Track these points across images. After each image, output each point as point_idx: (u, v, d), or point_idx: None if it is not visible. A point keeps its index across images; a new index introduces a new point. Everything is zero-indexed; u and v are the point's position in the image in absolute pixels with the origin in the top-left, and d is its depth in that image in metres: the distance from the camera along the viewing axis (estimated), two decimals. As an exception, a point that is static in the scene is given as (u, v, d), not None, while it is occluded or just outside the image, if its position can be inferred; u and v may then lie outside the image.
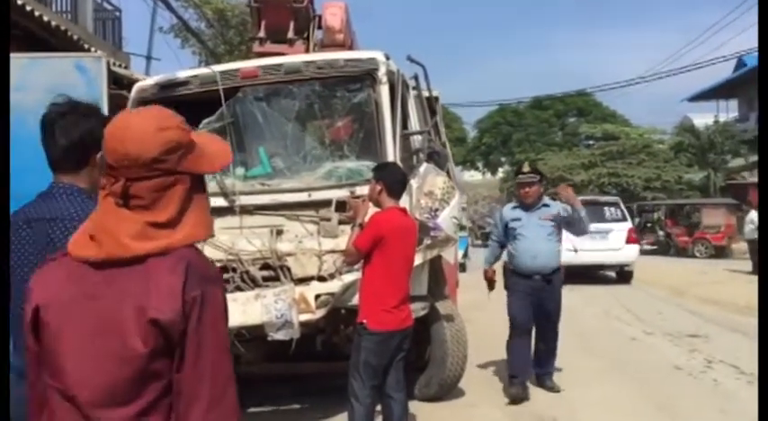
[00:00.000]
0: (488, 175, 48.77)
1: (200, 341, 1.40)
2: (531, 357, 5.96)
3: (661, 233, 26.89)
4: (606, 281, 15.44)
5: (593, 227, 10.97)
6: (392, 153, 4.87)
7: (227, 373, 1.46)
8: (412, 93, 5.74)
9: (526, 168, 5.95)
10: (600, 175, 32.62)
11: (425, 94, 6.32)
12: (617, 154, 33.69)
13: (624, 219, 15.65)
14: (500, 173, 46.82)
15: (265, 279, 4.73)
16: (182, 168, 1.46)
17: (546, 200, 5.91)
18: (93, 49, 7.50)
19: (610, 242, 14.53)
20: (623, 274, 15.22)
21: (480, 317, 8.56)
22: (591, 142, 40.70)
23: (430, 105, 6.26)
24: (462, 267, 18.37)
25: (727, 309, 10.95)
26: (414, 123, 5.64)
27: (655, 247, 26.46)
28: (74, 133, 2.12)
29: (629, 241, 14.90)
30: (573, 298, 11.77)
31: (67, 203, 2.08)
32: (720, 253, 23.04)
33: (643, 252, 26.35)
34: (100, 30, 12.62)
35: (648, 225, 28.43)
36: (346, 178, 4.96)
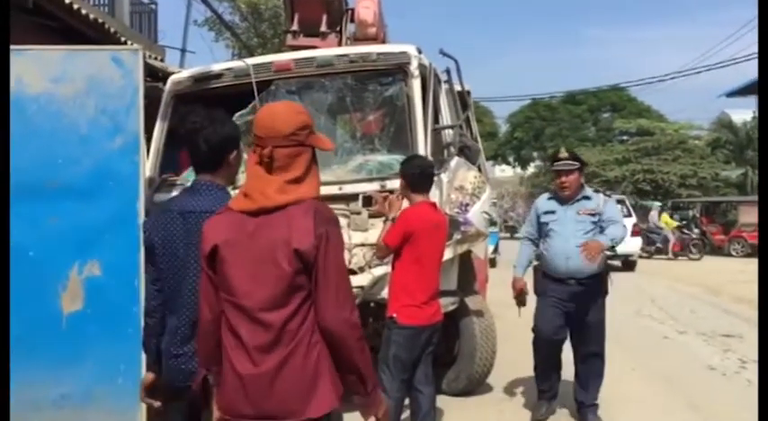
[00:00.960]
0: (519, 170, 48.40)
1: (326, 264, 2.04)
2: (561, 372, 5.18)
3: (696, 231, 26.44)
4: (638, 279, 15.32)
5: None
6: (423, 147, 4.86)
7: (347, 286, 2.13)
8: (444, 87, 5.72)
9: (563, 154, 4.98)
10: (634, 172, 32.13)
11: (458, 88, 6.30)
12: (652, 150, 33.13)
13: (629, 215, 17.80)
14: (531, 168, 46.44)
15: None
16: (307, 142, 2.14)
17: (587, 191, 4.97)
18: (129, 42, 7.59)
19: None
20: (628, 263, 17.49)
21: (510, 314, 8.48)
22: (625, 138, 40.11)
23: (462, 99, 6.23)
24: (492, 262, 18.27)
25: (764, 308, 10.74)
26: (445, 117, 5.62)
27: (689, 245, 26.02)
28: (214, 139, 2.56)
29: (633, 234, 16.64)
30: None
31: (213, 199, 2.52)
32: (757, 251, 22.57)
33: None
34: (136, 23, 12.79)
35: (683, 222, 27.99)
36: (377, 172, 4.97)
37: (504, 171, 58.02)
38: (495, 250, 19.03)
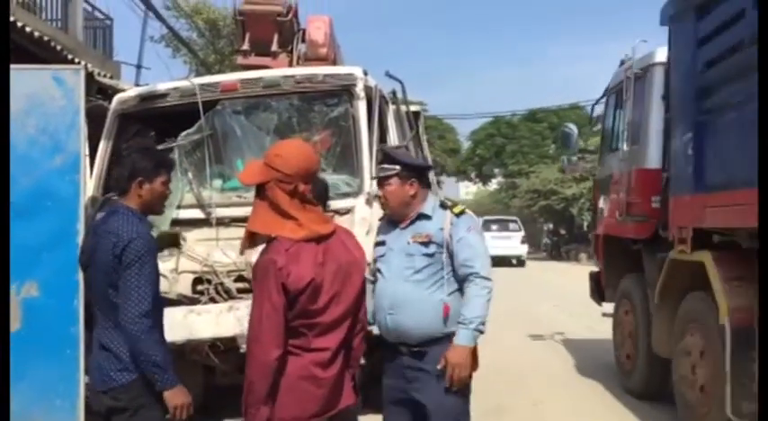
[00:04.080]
0: (481, 186, 48.97)
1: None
2: None
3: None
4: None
5: (502, 234, 26.92)
6: (368, 167, 4.93)
7: None
8: (391, 108, 5.81)
9: (379, 155, 3.65)
10: (591, 189, 32.68)
11: (410, 109, 6.41)
12: (609, 167, 33.72)
13: (520, 230, 28.36)
14: (494, 184, 46.92)
15: (240, 291, 4.78)
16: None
17: (428, 206, 3.18)
18: (77, 59, 7.54)
19: (511, 242, 27.25)
20: (520, 261, 27.58)
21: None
22: (584, 156, 40.74)
23: (410, 120, 6.33)
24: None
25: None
26: (392, 138, 5.70)
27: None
28: (121, 168, 2.94)
29: (521, 242, 27.71)
30: (559, 310, 11.87)
31: (115, 221, 2.81)
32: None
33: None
34: (90, 38, 12.67)
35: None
36: (322, 192, 5.02)
37: (468, 187, 58.46)
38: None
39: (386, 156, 3.29)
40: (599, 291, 7.39)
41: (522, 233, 28.23)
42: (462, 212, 3.16)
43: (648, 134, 5.95)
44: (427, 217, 3.16)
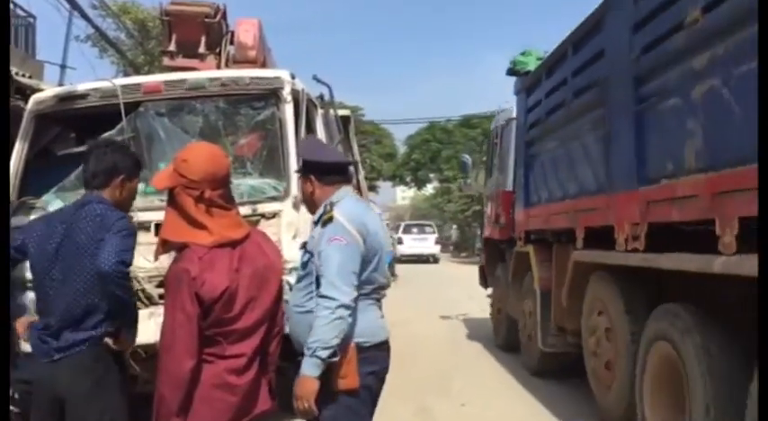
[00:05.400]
0: (417, 190, 49.39)
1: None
2: None
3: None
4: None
5: (420, 236, 33.99)
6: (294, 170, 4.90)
7: None
8: (319, 111, 5.79)
9: None
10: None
11: (340, 113, 6.41)
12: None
13: (434, 233, 34.42)
14: (429, 189, 47.36)
15: (162, 297, 4.66)
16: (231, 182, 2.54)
17: (320, 211, 2.86)
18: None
19: (427, 243, 33.14)
20: (435, 259, 32.76)
21: (400, 333, 8.67)
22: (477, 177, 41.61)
23: (338, 125, 6.34)
24: (385, 283, 18.63)
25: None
26: (321, 142, 5.69)
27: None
28: (100, 163, 2.91)
29: (435, 243, 33.65)
30: (467, 297, 12.13)
31: (94, 210, 2.83)
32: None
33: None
34: (12, 36, 12.18)
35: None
36: (248, 195, 4.96)
37: (404, 191, 58.79)
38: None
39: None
40: (484, 279, 10.41)
41: (437, 235, 34.53)
42: (329, 220, 2.76)
43: (508, 166, 8.58)
44: (315, 223, 2.91)
